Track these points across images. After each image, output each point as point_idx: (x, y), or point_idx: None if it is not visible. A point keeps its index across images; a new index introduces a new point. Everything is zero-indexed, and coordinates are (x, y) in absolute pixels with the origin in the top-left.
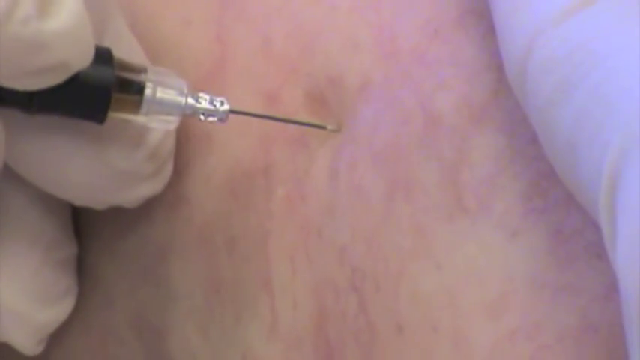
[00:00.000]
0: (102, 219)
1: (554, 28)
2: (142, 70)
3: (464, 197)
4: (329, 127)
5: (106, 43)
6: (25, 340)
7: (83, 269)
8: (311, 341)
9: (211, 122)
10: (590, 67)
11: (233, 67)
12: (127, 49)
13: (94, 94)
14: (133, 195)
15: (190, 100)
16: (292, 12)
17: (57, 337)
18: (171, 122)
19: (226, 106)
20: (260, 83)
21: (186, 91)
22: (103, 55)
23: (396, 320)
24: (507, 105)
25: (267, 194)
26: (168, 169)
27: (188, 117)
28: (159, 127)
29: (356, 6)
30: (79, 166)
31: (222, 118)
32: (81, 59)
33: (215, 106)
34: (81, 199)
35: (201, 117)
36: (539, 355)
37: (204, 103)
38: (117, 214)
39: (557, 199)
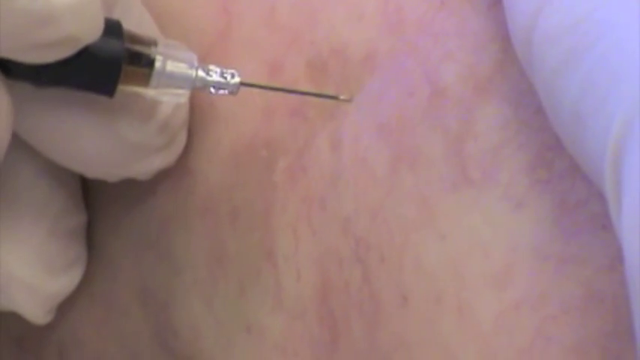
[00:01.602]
0: (106, 191)
1: None
2: (152, 42)
3: (469, 168)
4: (341, 97)
5: (116, 15)
6: (35, 310)
7: (89, 242)
8: (315, 312)
9: (222, 95)
10: (596, 36)
11: (238, 36)
12: (137, 22)
13: (104, 67)
14: (146, 167)
15: (201, 73)
16: None
17: (61, 309)
18: (182, 95)
19: (237, 79)
20: (264, 53)
21: (196, 64)
22: (113, 28)
23: (400, 291)
24: (513, 76)
25: (270, 166)
26: (181, 140)
27: (198, 90)
28: (169, 100)
29: None
30: (90, 139)
31: (233, 90)
32: (90, 33)
33: (226, 78)
34: (93, 172)
35: (212, 90)
36: (544, 326)
37: (215, 76)
38: (121, 187)
39: (562, 170)
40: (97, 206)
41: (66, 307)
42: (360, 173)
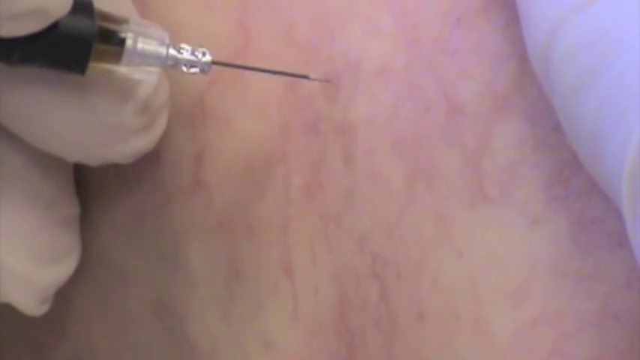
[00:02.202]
0: (120, 203)
1: (578, 14)
2: (124, 21)
3: (485, 185)
4: (312, 75)
5: None
6: (27, 301)
7: (102, 254)
8: (332, 328)
9: (193, 74)
10: (614, 54)
11: (255, 52)
12: (114, 4)
13: (75, 44)
14: (125, 149)
15: (172, 51)
16: None
17: (75, 320)
18: (153, 73)
19: (208, 57)
20: (281, 67)
21: (167, 42)
22: (84, 6)
23: (417, 308)
24: (530, 93)
25: (286, 181)
26: (162, 123)
27: (170, 68)
28: (141, 77)
29: None
30: (67, 120)
31: (204, 69)
32: (60, 6)
33: (197, 57)
34: (72, 155)
35: (184, 68)
36: (560, 343)
37: (186, 54)
38: (135, 198)
39: (579, 187)
40: (111, 219)
41: (80, 318)
42: (376, 189)
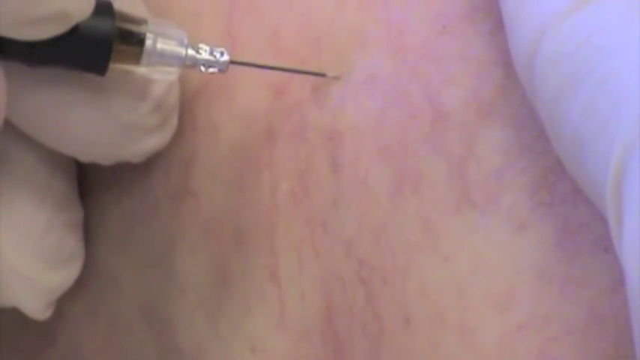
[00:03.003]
0: (110, 211)
1: (561, 21)
2: (143, 21)
3: (471, 191)
4: (329, 74)
5: None
6: (34, 304)
7: (92, 261)
8: (319, 333)
9: (212, 73)
10: (597, 61)
11: (241, 59)
12: (128, 3)
13: (95, 45)
14: (139, 148)
15: (190, 51)
16: (302, 6)
17: (64, 325)
18: (172, 73)
19: (226, 57)
20: (268, 76)
21: (186, 42)
22: (104, 7)
23: (403, 313)
24: (515, 100)
25: (273, 187)
26: (173, 122)
27: (189, 68)
28: (160, 77)
29: (365, 1)
30: (83, 119)
31: (223, 68)
32: (81, 9)
33: (215, 56)
34: (87, 154)
35: (202, 68)
36: (546, 348)
37: (205, 54)
38: (125, 206)
39: (564, 192)
40: (102, 226)
41: (70, 323)
42: (362, 195)
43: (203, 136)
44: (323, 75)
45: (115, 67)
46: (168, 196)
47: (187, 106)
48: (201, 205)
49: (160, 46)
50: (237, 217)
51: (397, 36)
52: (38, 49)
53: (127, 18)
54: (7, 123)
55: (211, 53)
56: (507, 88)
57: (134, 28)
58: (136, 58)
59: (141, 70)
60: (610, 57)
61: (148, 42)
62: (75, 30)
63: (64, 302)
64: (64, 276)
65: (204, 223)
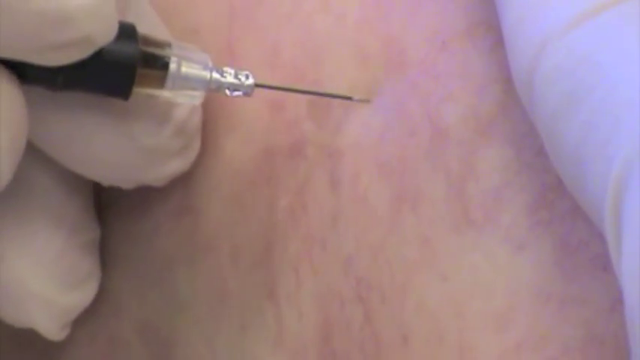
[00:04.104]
0: (111, 229)
1: (560, 38)
2: (167, 44)
3: (470, 209)
4: (355, 97)
5: (129, 20)
6: (50, 325)
7: None
8: (317, 351)
9: (236, 96)
10: (596, 79)
11: None
12: (150, 26)
13: (119, 69)
14: (161, 172)
15: (215, 75)
16: (301, 21)
17: (64, 344)
18: (197, 97)
19: (251, 80)
20: (266, 93)
21: (210, 65)
22: (127, 31)
23: (401, 331)
24: (514, 117)
25: (271, 204)
26: (196, 145)
27: (213, 92)
28: (184, 101)
29: (365, 17)
30: (106, 143)
31: (248, 92)
32: (105, 34)
33: (240, 80)
34: (108, 177)
35: (227, 92)
36: None
37: (230, 78)
38: (123, 223)
39: (563, 211)
40: (103, 243)
41: (69, 342)
42: (361, 213)
43: (202, 152)
44: (349, 98)
45: (139, 91)
46: (168, 214)
47: None
48: (200, 222)
49: (184, 69)
50: (235, 234)
51: (397, 52)
52: (61, 73)
53: (150, 42)
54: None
55: (236, 76)
56: (507, 105)
57: (158, 51)
58: (160, 82)
59: (165, 94)
60: (609, 74)
61: (172, 66)
62: (98, 54)
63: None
64: (81, 296)
65: (203, 240)
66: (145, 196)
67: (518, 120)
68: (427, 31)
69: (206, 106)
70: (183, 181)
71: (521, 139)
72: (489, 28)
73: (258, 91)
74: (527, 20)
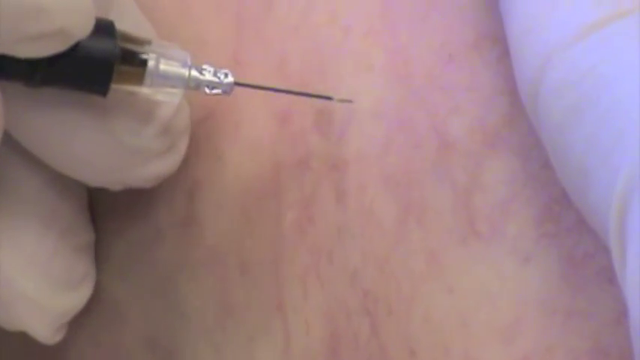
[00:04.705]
0: (114, 239)
1: (566, 50)
2: (146, 42)
3: (476, 221)
4: (336, 98)
5: (112, 18)
6: (42, 329)
7: (96, 289)
8: None
9: (216, 95)
10: (601, 91)
11: None
12: (133, 24)
13: (97, 65)
14: (145, 173)
15: (194, 73)
16: (308, 33)
17: (67, 353)
18: (176, 95)
19: (231, 79)
20: (273, 103)
21: (189, 63)
22: (106, 27)
23: (408, 344)
24: (521, 129)
25: (278, 217)
26: (183, 146)
27: (192, 89)
28: (163, 99)
29: (371, 29)
30: (86, 141)
31: (227, 90)
32: (80, 27)
33: (219, 78)
34: (92, 178)
35: (206, 90)
36: None
37: (208, 75)
38: (128, 233)
39: (569, 223)
40: (104, 254)
41: (72, 352)
42: (367, 225)
43: (207, 164)
44: (330, 98)
45: (117, 88)
46: (172, 225)
47: (191, 134)
48: (206, 234)
49: (162, 67)
50: (242, 246)
51: (403, 64)
52: (39, 69)
53: (129, 38)
54: (14, 147)
55: (215, 74)
56: (513, 118)
57: (136, 48)
58: (139, 80)
59: (143, 91)
60: (614, 87)
61: (151, 63)
62: (75, 50)
63: (67, 331)
64: (74, 299)
65: (209, 252)
66: (149, 206)
67: (524, 132)
68: (434, 43)
69: (212, 118)
70: (188, 191)
71: (528, 151)
72: (496, 41)
73: (265, 102)
74: (533, 32)
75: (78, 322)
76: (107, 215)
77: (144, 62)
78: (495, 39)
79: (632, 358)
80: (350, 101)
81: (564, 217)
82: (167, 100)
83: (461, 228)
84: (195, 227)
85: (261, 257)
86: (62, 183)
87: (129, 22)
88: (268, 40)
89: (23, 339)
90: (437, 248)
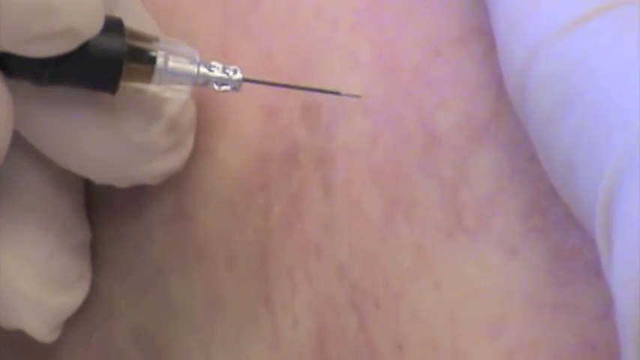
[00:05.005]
0: (104, 234)
1: (553, 43)
2: (154, 39)
3: (463, 216)
4: (343, 92)
5: (117, 15)
6: (40, 327)
7: None
8: (311, 358)
9: (224, 91)
10: (588, 85)
11: None
12: (139, 22)
13: (105, 63)
14: (152, 170)
15: (203, 69)
16: (295, 27)
17: (57, 350)
18: (184, 92)
19: (239, 75)
20: (260, 97)
21: (198, 59)
22: (114, 25)
23: (395, 339)
24: (507, 123)
25: (265, 211)
26: (189, 143)
27: (201, 86)
28: (172, 96)
29: (358, 23)
30: (94, 139)
31: (236, 86)
32: (90, 26)
33: (228, 74)
34: (99, 175)
35: (215, 86)
36: None
37: (217, 72)
38: (117, 228)
39: (556, 217)
40: (96, 247)
41: (63, 348)
42: (354, 219)
43: (195, 159)
44: (338, 93)
45: (126, 85)
46: (162, 220)
47: None
48: (194, 229)
49: (171, 64)
50: (230, 241)
51: (390, 58)
52: (47, 67)
53: (137, 36)
54: (14, 145)
55: (224, 71)
56: (500, 112)
57: (145, 45)
58: (147, 77)
59: (152, 88)
60: (601, 80)
61: (159, 60)
62: (84, 48)
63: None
64: (71, 298)
65: (198, 247)
66: (137, 199)
67: (511, 126)
68: (420, 37)
69: (199, 112)
70: (177, 186)
71: (514, 145)
72: (483, 35)
73: (252, 97)
74: (519, 26)
75: (68, 319)
76: (98, 212)
77: (152, 59)
78: (482, 33)
79: (619, 352)
80: (359, 96)
81: (551, 211)
82: (175, 97)
83: (448, 222)
84: (184, 222)
85: (248, 252)
86: (61, 181)
87: (134, 19)
88: (255, 35)
89: (13, 338)
90: (424, 243)
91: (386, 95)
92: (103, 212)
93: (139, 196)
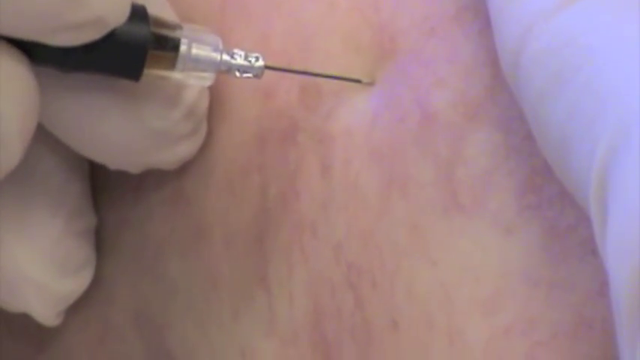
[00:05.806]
0: (103, 215)
1: (548, 19)
2: (177, 26)
3: (459, 194)
4: (364, 80)
5: (138, 2)
6: (45, 311)
7: None
8: (308, 337)
9: (246, 78)
10: (582, 61)
11: None
12: (158, 8)
13: (130, 50)
14: (171, 155)
15: (225, 57)
16: (291, 9)
17: (54, 331)
18: (207, 79)
19: (261, 62)
20: (257, 80)
21: (221, 47)
22: (139, 12)
23: (391, 317)
24: (503, 101)
25: (263, 191)
26: (204, 129)
27: (223, 73)
28: (194, 83)
29: (355, 4)
30: (114, 125)
31: (258, 74)
32: (117, 15)
33: (250, 62)
34: (117, 161)
35: (237, 73)
36: (533, 352)
37: (240, 60)
38: (118, 210)
39: (551, 195)
40: (96, 231)
41: (60, 329)
42: (351, 198)
43: None
44: (359, 81)
45: (150, 72)
46: (160, 201)
47: None
48: (193, 210)
49: (194, 51)
50: (227, 220)
51: (387, 39)
52: (72, 54)
53: (161, 23)
54: None
55: (246, 58)
56: (495, 90)
57: (169, 33)
58: (171, 64)
59: (175, 75)
60: (596, 56)
61: (183, 47)
62: (110, 35)
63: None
64: (76, 284)
65: (195, 226)
66: (137, 183)
67: (506, 104)
68: (416, 17)
69: None
70: (177, 167)
71: (510, 123)
72: (477, 13)
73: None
74: (514, 2)
75: None
76: (98, 193)
77: (176, 47)
78: (477, 11)
79: (614, 330)
80: (374, 83)
81: (546, 188)
82: (198, 84)
83: (443, 201)
84: (183, 203)
85: (246, 232)
86: (70, 167)
87: (155, 5)
88: (252, 17)
89: (10, 322)
90: (420, 221)
91: (383, 75)
92: (103, 195)
93: (139, 176)
